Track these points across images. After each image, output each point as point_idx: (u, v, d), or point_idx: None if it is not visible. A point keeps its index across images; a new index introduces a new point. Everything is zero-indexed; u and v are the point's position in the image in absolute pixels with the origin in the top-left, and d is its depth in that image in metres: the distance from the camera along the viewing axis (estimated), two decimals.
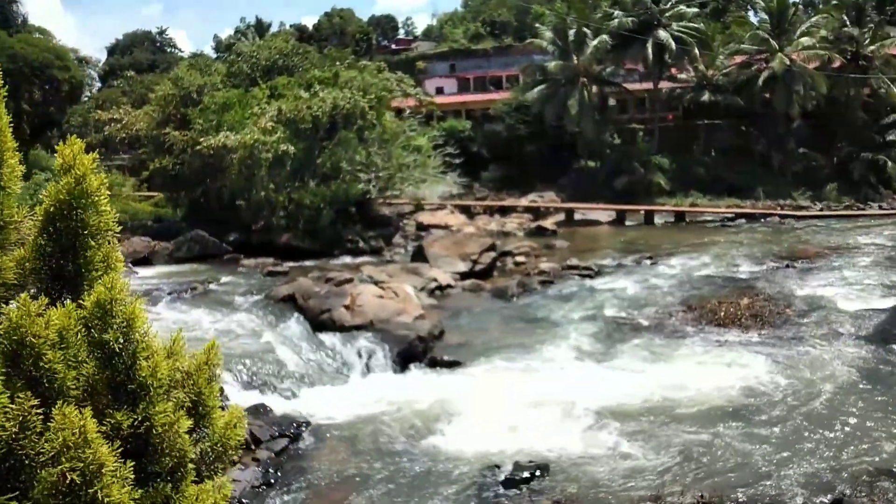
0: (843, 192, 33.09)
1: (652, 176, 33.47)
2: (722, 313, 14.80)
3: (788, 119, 35.35)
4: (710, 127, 37.72)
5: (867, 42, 34.81)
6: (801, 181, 34.01)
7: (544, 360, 12.77)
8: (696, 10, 37.00)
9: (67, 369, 1.67)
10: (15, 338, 1.61)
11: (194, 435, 1.90)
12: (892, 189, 33.42)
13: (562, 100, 34.91)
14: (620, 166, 34.30)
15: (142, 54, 61.46)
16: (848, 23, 36.00)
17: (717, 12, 45.66)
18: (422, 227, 27.88)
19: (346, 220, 24.12)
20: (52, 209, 1.83)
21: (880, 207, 31.72)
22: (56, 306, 1.76)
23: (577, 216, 31.46)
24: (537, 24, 39.44)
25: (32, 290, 1.87)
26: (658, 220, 30.84)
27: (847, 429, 9.53)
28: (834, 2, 39.57)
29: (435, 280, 18.15)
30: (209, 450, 1.93)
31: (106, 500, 1.51)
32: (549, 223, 29.04)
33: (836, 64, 35.28)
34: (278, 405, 10.80)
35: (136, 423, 1.70)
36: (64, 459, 1.50)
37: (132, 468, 1.60)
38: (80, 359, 1.72)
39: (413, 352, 13.06)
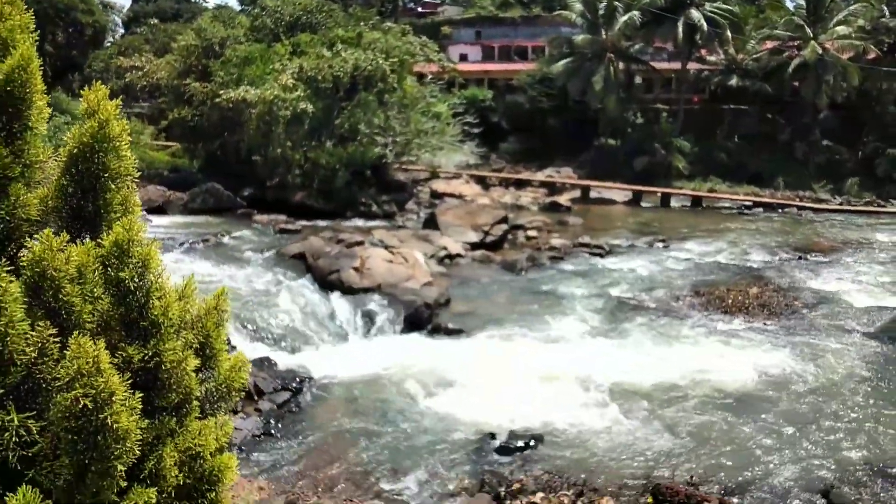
0: (864, 188, 32.55)
1: (672, 158, 33.08)
2: (730, 300, 14.80)
3: (816, 109, 34.65)
4: (736, 112, 37.07)
5: None
6: (824, 173, 33.47)
7: (548, 334, 12.88)
8: None
9: (84, 303, 1.76)
10: (37, 270, 1.69)
11: (200, 375, 1.99)
12: None
13: (587, 74, 34.38)
14: (641, 146, 33.89)
15: (166, 2, 60.93)
16: (887, 13, 34.97)
17: None
18: (436, 195, 27.86)
19: (360, 183, 24.14)
20: (75, 151, 1.90)
21: None
22: (75, 244, 1.84)
23: (593, 194, 31.26)
24: None
25: (53, 228, 1.95)
26: (675, 203, 30.57)
27: (845, 422, 9.60)
28: None
29: (445, 248, 18.22)
30: (214, 389, 2.03)
31: (115, 425, 1.61)
32: (564, 199, 28.90)
33: (871, 56, 34.38)
34: (283, 359, 11.03)
35: (146, 358, 1.79)
36: (78, 385, 1.59)
37: (140, 399, 1.69)
38: (96, 294, 1.80)
39: (418, 317, 13.21)
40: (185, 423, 1.87)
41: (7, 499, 1.54)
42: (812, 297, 15.48)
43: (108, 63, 39.40)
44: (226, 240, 18.03)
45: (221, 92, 23.57)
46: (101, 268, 1.81)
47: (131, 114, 35.70)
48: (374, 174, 24.85)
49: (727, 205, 30.51)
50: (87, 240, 1.90)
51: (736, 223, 25.89)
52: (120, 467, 1.64)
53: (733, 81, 35.60)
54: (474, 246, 19.31)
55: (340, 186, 23.36)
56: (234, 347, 10.92)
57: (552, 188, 31.32)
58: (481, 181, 31.57)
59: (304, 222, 21.37)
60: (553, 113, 36.84)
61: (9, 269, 1.67)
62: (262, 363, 10.69)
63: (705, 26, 33.20)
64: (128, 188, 1.99)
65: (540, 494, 7.72)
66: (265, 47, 25.90)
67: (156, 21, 45.25)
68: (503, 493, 7.72)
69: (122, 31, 58.99)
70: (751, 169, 33.43)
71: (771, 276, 17.19)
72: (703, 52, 37.02)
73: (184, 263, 14.64)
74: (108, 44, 47.54)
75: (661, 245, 21.12)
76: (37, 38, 2.04)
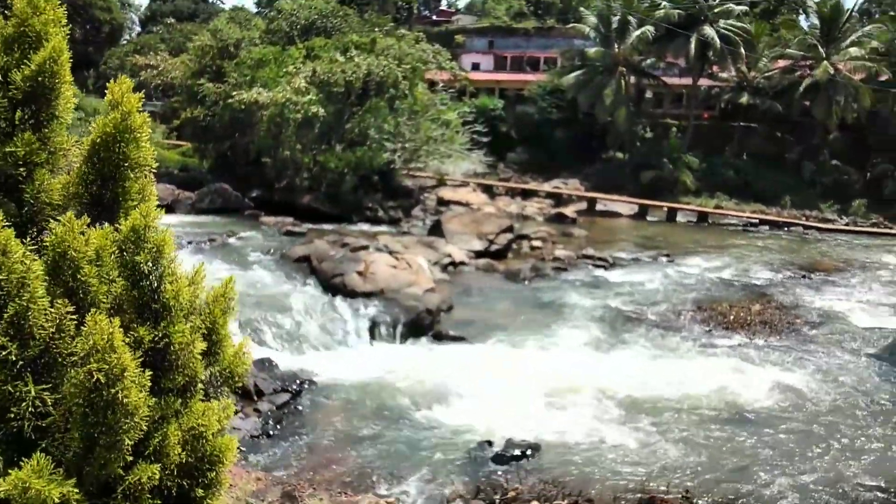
0: (871, 209, 32.47)
1: (680, 173, 33.10)
2: (732, 317, 14.81)
3: (826, 130, 34.65)
4: (746, 129, 37.10)
5: None
6: (831, 194, 33.43)
7: (549, 344, 12.92)
8: (745, 7, 36.16)
9: (101, 284, 1.85)
10: (58, 251, 1.78)
11: (206, 359, 2.08)
12: None
13: (598, 87, 34.51)
14: (649, 161, 33.94)
15: (183, 2, 61.51)
16: None
17: (767, 13, 44.55)
18: (442, 203, 27.95)
19: (368, 188, 24.28)
20: (98, 140, 2.00)
21: None
22: (94, 228, 1.93)
23: (599, 206, 31.31)
24: (582, 8, 38.84)
25: (73, 213, 2.05)
26: (681, 218, 30.60)
27: (843, 441, 9.60)
28: (891, 13, 38.41)
29: (449, 256, 18.30)
30: (218, 374, 2.11)
31: (125, 400, 1.69)
32: (569, 211, 28.96)
33: (884, 77, 34.39)
34: (284, 361, 11.10)
35: (156, 339, 1.88)
36: (92, 360, 1.68)
37: (150, 378, 1.78)
38: (112, 276, 1.89)
39: (420, 323, 13.26)
40: (189, 404, 1.95)
41: (22, 463, 1.62)
42: (815, 315, 15.48)
43: (124, 61, 39.84)
44: (232, 240, 18.17)
45: (234, 93, 23.80)
46: (117, 251, 1.90)
47: (144, 111, 36.04)
48: (382, 179, 24.99)
49: (733, 222, 30.50)
50: (106, 225, 1.99)
51: (741, 240, 25.89)
52: (127, 442, 1.72)
53: (744, 99, 35.64)
54: (479, 254, 19.38)
55: (348, 190, 23.51)
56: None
57: (558, 199, 31.39)
58: (488, 190, 31.67)
59: (310, 225, 21.51)
60: (562, 124, 36.96)
61: (32, 248, 1.75)
62: (263, 364, 10.75)
63: (718, 43, 33.29)
64: (146, 178, 2.09)
65: (535, 503, 7.76)
66: (279, 50, 26.15)
67: (172, 20, 45.67)
68: (498, 501, 7.76)
69: (138, 29, 59.61)
70: (758, 187, 33.41)
71: (774, 294, 17.19)
72: (715, 68, 37.08)
73: (189, 263, 14.75)
74: (125, 41, 48.06)
75: (665, 259, 21.14)
76: (68, 31, 2.14)
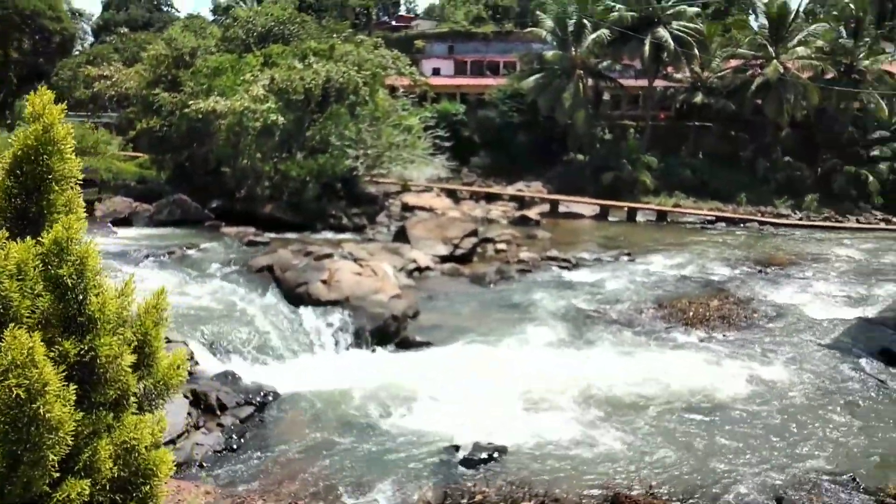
0: (823, 204, 33.57)
1: (639, 174, 33.74)
2: (691, 313, 15.12)
3: (777, 127, 35.72)
4: (701, 129, 38.02)
5: (862, 56, 35.13)
6: (784, 190, 34.45)
7: (514, 346, 13.00)
8: (696, 9, 37.08)
9: (23, 299, 1.80)
10: None
11: (139, 371, 2.04)
12: (872, 204, 33.92)
13: (556, 90, 34.97)
14: (608, 162, 34.52)
15: (137, 11, 60.35)
16: (845, 35, 36.30)
17: (718, 13, 45.77)
18: (407, 208, 27.96)
19: (331, 196, 24.12)
20: (19, 153, 1.95)
21: (858, 221, 32.24)
22: (16, 242, 1.88)
23: (562, 208, 31.69)
24: (539, 12, 39.33)
25: None
26: (640, 217, 31.16)
27: (798, 431, 9.88)
28: (834, 12, 39.81)
29: (414, 261, 18.30)
30: (152, 386, 2.08)
31: (47, 416, 1.65)
32: (533, 213, 29.24)
33: (830, 75, 35.63)
34: (247, 373, 10.93)
35: (82, 353, 1.84)
36: (12, 376, 1.63)
37: (76, 393, 1.74)
38: (36, 291, 1.85)
39: (386, 330, 13.21)
40: (121, 417, 1.91)
41: None
42: (771, 309, 15.90)
43: (76, 72, 38.86)
44: (192, 252, 17.84)
45: (191, 102, 23.42)
46: (41, 265, 1.86)
47: (99, 123, 35.20)
48: (345, 187, 24.87)
49: (691, 220, 31.19)
50: (28, 238, 1.95)
51: (699, 237, 26.48)
52: (52, 458, 1.68)
53: (698, 99, 36.53)
54: (444, 259, 19.43)
55: (310, 199, 23.31)
56: (196, 362, 10.81)
57: (522, 202, 31.67)
58: (452, 194, 31.78)
59: (272, 235, 21.26)
60: (523, 128, 37.33)
61: None
62: (226, 377, 10.57)
63: (671, 44, 34.04)
64: (72, 190, 2.05)
65: None
66: (236, 58, 25.84)
67: (126, 30, 44.72)
68: None
69: (91, 39, 58.24)
70: (714, 185, 34.25)
71: (732, 289, 17.62)
72: (670, 69, 37.91)
73: (148, 276, 14.44)
74: (77, 52, 46.84)
75: (626, 259, 21.48)
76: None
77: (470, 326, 14.10)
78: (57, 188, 1.98)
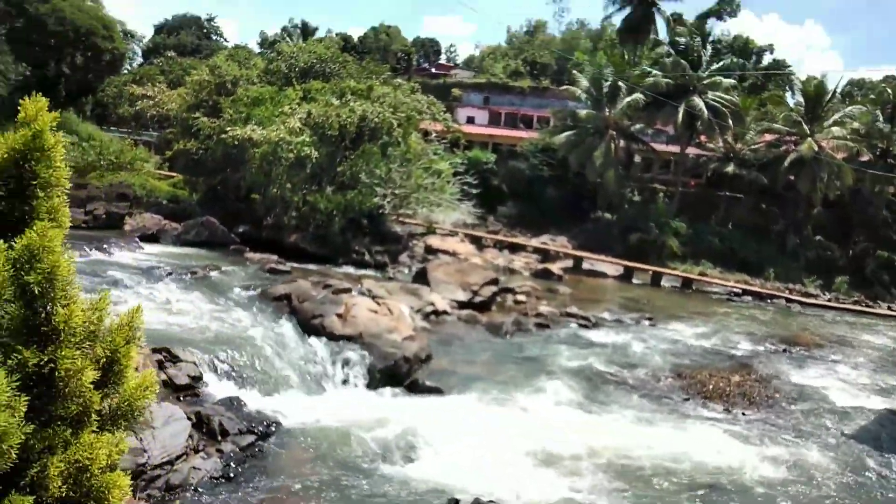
0: (853, 287, 32.87)
1: (666, 238, 33.47)
2: (711, 386, 14.66)
3: (810, 204, 35.37)
4: (732, 199, 37.79)
5: None
6: (814, 268, 33.85)
7: (526, 401, 12.67)
8: (733, 81, 37.33)
9: None
10: None
11: (105, 389, 1.95)
12: None
13: (588, 148, 35.16)
14: (636, 223, 34.34)
15: (187, 37, 62.60)
16: (881, 119, 36.18)
17: (755, 87, 46.07)
18: (430, 251, 27.92)
19: (356, 231, 24.24)
20: (5, 157, 1.93)
21: (889, 308, 31.43)
22: None
23: (585, 265, 31.44)
24: (575, 71, 39.94)
25: None
26: (665, 282, 30.72)
27: None
28: (871, 96, 39.82)
29: (432, 304, 18.12)
30: (117, 406, 1.99)
31: None
32: (556, 267, 29.02)
33: (865, 158, 35.38)
34: (253, 401, 10.75)
35: (41, 364, 1.76)
36: None
37: (32, 403, 1.63)
38: (4, 296, 1.78)
39: (397, 371, 12.99)
40: (79, 434, 1.83)
41: None
42: (793, 390, 15.35)
43: (122, 90, 40.12)
44: (214, 274, 17.90)
45: (228, 129, 23.93)
46: (12, 270, 1.81)
47: (139, 141, 36.12)
48: (371, 223, 24.99)
49: (717, 290, 30.67)
50: (1, 242, 1.91)
51: (724, 309, 25.96)
52: None
53: (730, 169, 36.42)
54: (462, 305, 19.23)
55: (335, 232, 23.44)
56: (205, 384, 10.67)
57: (545, 255, 31.51)
58: (476, 241, 31.75)
59: (295, 264, 21.31)
60: (553, 182, 37.47)
61: None
62: (231, 402, 10.39)
63: (706, 114, 34.19)
64: (58, 198, 2.02)
65: None
66: (276, 90, 26.46)
67: (173, 54, 46.20)
68: None
69: (140, 59, 60.34)
70: (742, 256, 33.80)
71: (754, 366, 17.10)
72: (703, 138, 38.00)
73: (166, 293, 14.47)
74: (125, 71, 48.52)
75: (648, 323, 21.09)
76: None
77: (482, 375, 13.81)
78: (42, 194, 1.96)
